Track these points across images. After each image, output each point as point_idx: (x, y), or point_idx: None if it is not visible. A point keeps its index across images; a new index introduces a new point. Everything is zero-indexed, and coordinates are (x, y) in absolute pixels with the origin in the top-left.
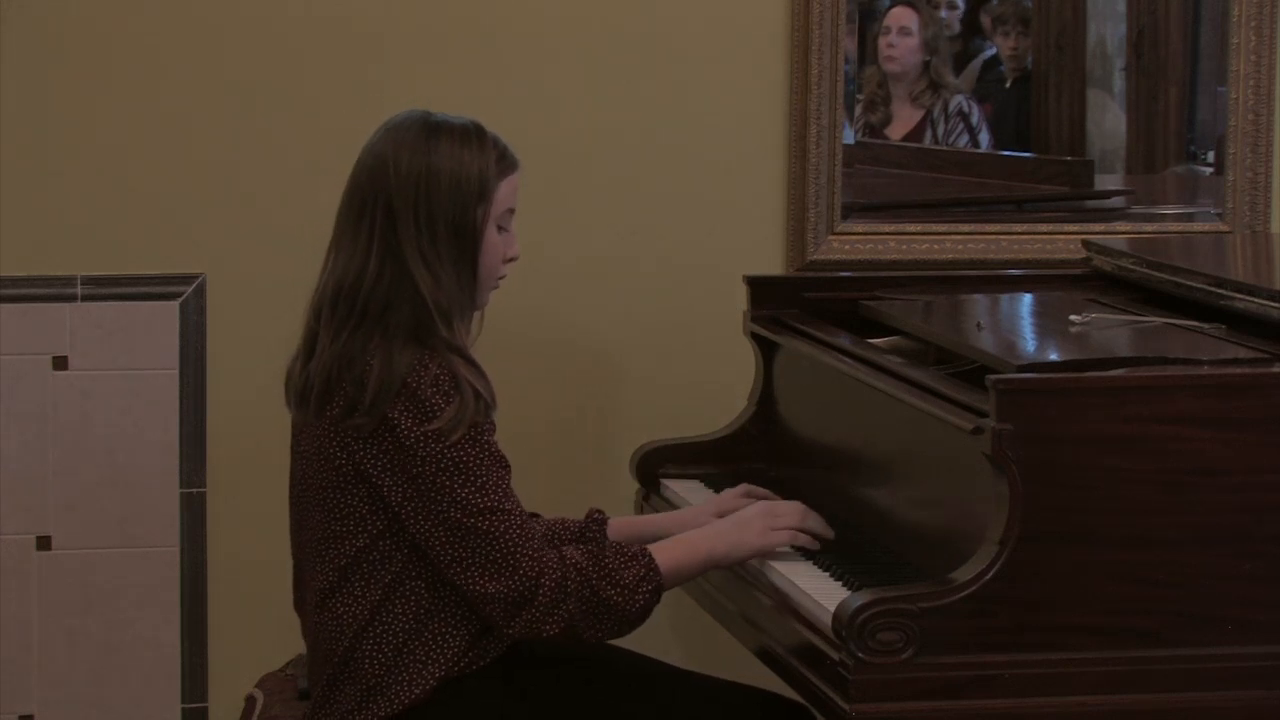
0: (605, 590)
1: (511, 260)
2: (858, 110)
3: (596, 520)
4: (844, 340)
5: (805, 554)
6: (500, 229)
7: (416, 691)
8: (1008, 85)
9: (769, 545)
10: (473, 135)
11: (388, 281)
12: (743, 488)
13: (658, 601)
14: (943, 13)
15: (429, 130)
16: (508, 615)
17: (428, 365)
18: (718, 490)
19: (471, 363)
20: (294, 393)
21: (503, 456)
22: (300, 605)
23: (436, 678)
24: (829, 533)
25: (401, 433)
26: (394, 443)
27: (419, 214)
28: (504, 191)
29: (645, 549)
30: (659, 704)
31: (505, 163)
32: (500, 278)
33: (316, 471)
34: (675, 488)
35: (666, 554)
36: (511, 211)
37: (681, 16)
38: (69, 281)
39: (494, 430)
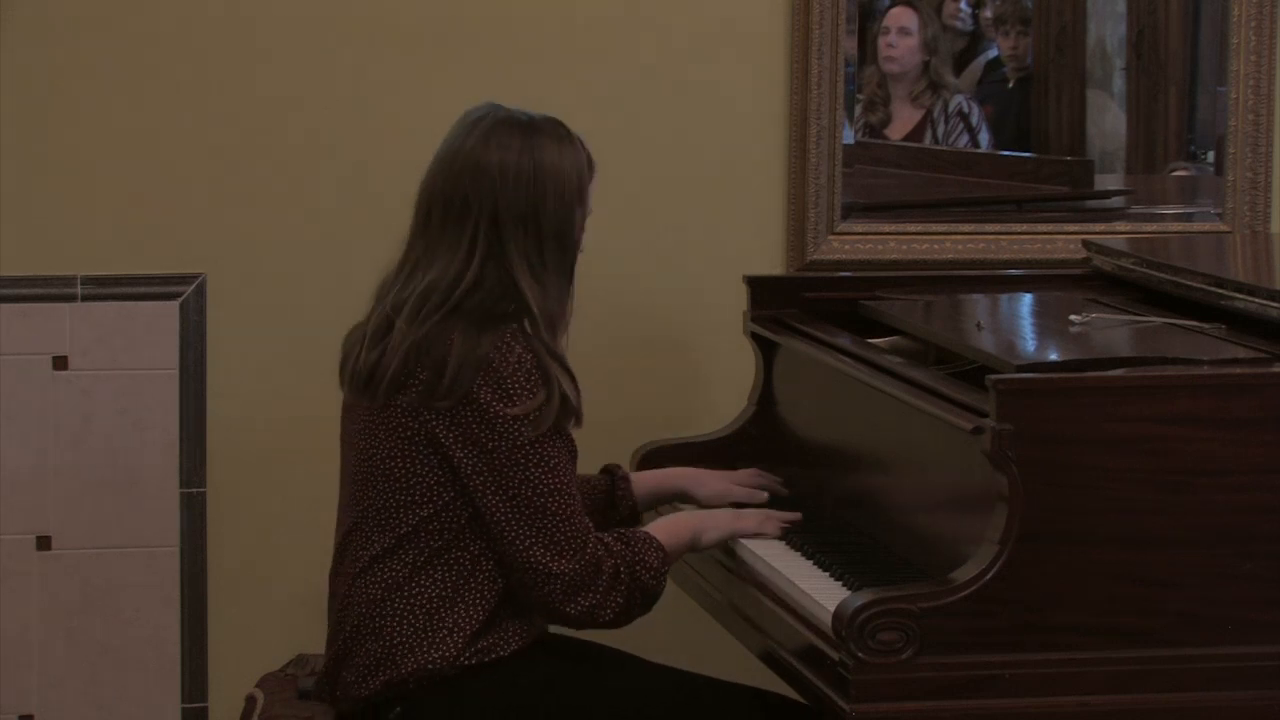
0: (642, 575)
1: None
2: (858, 110)
3: (623, 479)
4: (844, 340)
5: (806, 554)
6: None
7: (434, 656)
8: (1010, 85)
9: (740, 530)
10: (565, 135)
11: (489, 287)
12: (753, 470)
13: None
14: (962, 3)
15: (527, 131)
16: (568, 596)
17: (511, 346)
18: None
19: (570, 373)
20: (359, 378)
21: (574, 445)
22: (336, 575)
23: (457, 647)
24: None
25: (481, 407)
26: (472, 416)
27: (527, 224)
28: (591, 194)
29: (652, 535)
30: (663, 704)
31: (591, 164)
32: None
33: (383, 442)
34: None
35: (666, 538)
36: (590, 213)
37: (682, 16)
38: (69, 281)
39: (571, 437)
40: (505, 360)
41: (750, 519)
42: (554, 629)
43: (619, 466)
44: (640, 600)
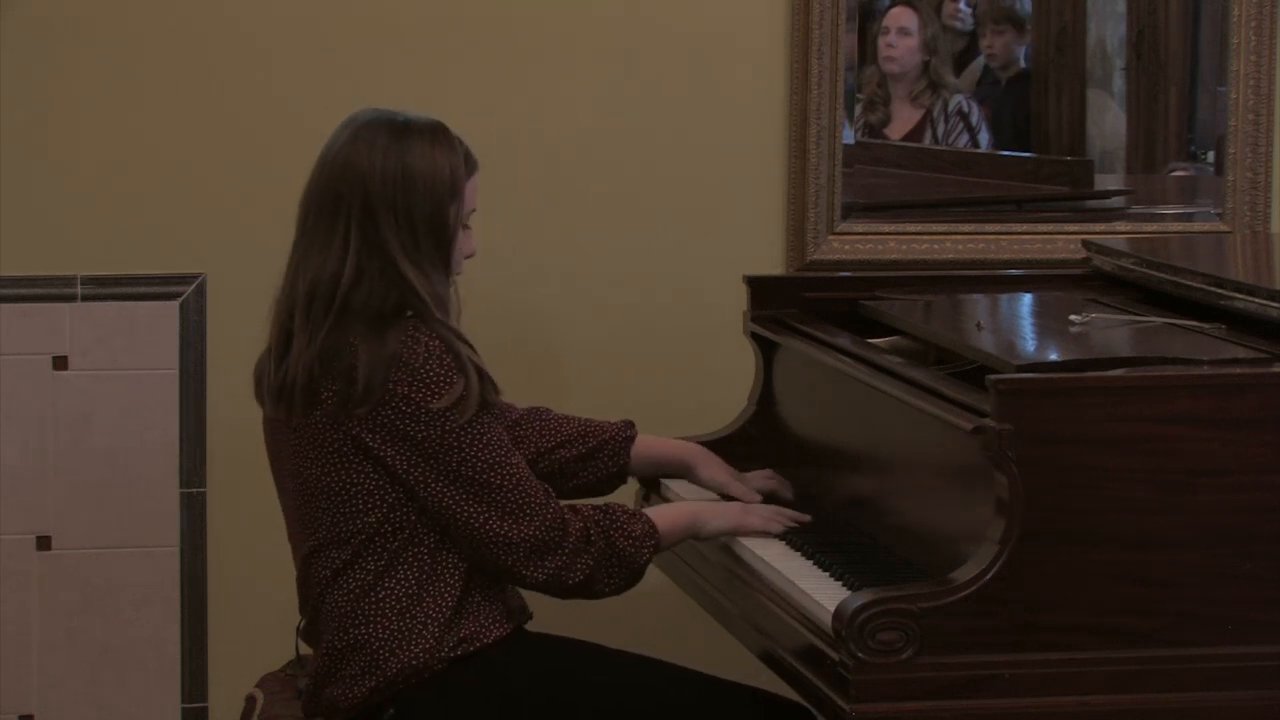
0: (619, 541)
1: (468, 257)
2: (858, 110)
3: (627, 439)
4: (844, 340)
5: (806, 554)
6: (464, 227)
7: (416, 651)
8: (1001, 85)
9: (746, 524)
10: (441, 135)
11: (370, 279)
12: (767, 471)
13: (651, 560)
14: (962, 4)
15: (398, 130)
16: (533, 561)
17: (417, 337)
18: (716, 490)
19: (471, 347)
20: (270, 392)
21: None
22: (304, 601)
23: (435, 637)
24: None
25: (402, 401)
26: (395, 413)
27: (398, 213)
28: (469, 191)
29: (641, 512)
30: (654, 698)
31: (470, 163)
32: (458, 274)
33: (314, 461)
34: (675, 488)
35: (660, 517)
36: (473, 211)
37: (682, 16)
38: (69, 281)
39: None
40: (415, 352)
41: (757, 515)
42: (543, 626)
43: (633, 425)
44: (618, 568)
